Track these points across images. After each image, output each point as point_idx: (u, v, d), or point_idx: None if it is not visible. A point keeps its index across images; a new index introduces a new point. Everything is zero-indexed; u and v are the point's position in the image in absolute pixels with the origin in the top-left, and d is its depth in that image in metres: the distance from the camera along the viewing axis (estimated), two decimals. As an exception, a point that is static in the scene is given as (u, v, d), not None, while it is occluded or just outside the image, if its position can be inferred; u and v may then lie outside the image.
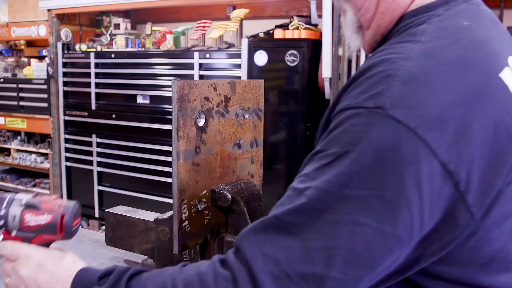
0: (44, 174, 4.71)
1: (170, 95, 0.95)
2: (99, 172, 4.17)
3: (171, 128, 0.96)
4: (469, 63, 0.70)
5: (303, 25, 3.21)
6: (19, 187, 4.82)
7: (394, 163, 0.65)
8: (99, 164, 4.16)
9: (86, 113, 4.16)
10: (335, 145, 0.69)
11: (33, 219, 0.87)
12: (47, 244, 0.90)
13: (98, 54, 4.06)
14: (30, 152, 4.75)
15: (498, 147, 0.68)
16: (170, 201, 3.56)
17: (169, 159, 3.63)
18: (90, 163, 4.20)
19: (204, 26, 3.67)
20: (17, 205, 0.88)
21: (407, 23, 0.78)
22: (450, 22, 0.74)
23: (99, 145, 4.15)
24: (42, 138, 4.66)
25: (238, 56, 3.39)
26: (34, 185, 4.77)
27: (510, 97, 0.72)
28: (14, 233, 0.88)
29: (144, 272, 0.81)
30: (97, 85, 4.08)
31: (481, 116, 0.67)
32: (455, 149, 0.65)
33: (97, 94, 4.09)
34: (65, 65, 4.28)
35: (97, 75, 4.07)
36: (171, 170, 0.98)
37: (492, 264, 0.72)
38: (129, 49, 4.14)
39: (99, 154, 4.16)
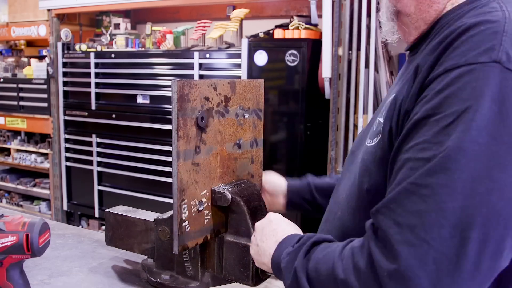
0: (44, 174, 4.71)
1: (170, 95, 0.95)
2: (99, 172, 4.17)
3: (171, 128, 0.96)
4: None
5: (303, 25, 3.21)
6: (19, 187, 4.82)
7: None
8: (99, 164, 4.16)
9: (86, 113, 4.16)
10: (454, 104, 0.67)
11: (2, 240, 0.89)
12: (19, 263, 0.93)
13: (98, 54, 4.06)
14: (30, 152, 4.75)
15: None
16: (170, 201, 3.57)
17: (169, 159, 3.63)
18: (90, 163, 4.20)
19: (204, 26, 3.67)
20: None
21: (469, 8, 0.78)
22: None
23: (99, 145, 4.15)
24: (42, 138, 4.66)
25: (238, 56, 3.39)
26: (34, 185, 4.77)
27: None
28: None
29: (324, 243, 0.83)
30: (97, 85, 4.08)
31: None
32: None
33: (97, 94, 4.09)
34: (65, 65, 4.28)
35: (97, 75, 4.07)
36: (171, 170, 0.97)
37: None
38: (129, 49, 4.14)
39: (99, 154, 4.16)
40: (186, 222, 1.00)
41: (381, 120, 0.85)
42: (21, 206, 4.86)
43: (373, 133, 0.89)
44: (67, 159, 4.38)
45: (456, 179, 0.64)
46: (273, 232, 0.94)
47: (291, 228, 0.95)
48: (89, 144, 4.18)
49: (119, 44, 4.14)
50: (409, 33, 0.89)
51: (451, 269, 0.63)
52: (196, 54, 3.57)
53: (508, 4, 0.75)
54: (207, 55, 3.55)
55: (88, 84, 4.10)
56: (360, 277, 0.69)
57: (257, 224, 0.99)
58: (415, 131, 0.71)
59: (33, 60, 4.79)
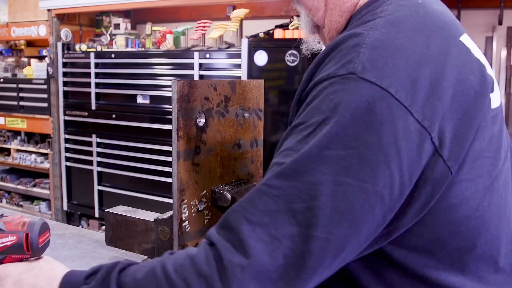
0: (44, 174, 4.71)
1: (170, 95, 0.95)
2: (99, 172, 4.17)
3: (171, 128, 0.96)
4: (430, 28, 0.75)
5: (303, 25, 3.21)
6: (19, 187, 4.82)
7: (370, 122, 0.67)
8: (99, 164, 4.16)
9: (86, 113, 4.16)
10: (315, 115, 0.71)
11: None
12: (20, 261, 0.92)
13: (98, 54, 4.06)
14: (30, 152, 4.75)
15: (466, 103, 0.72)
16: (170, 201, 3.56)
17: (169, 159, 3.63)
18: (90, 163, 4.20)
19: (204, 26, 3.67)
20: None
21: (364, 12, 0.82)
22: (406, 1, 0.79)
23: (99, 145, 4.15)
24: (42, 138, 4.66)
25: (238, 56, 3.39)
26: (34, 185, 4.77)
27: (473, 58, 0.78)
28: None
29: (132, 265, 0.80)
30: (97, 85, 4.08)
31: (448, 74, 0.72)
32: (428, 105, 0.69)
33: (97, 94, 4.09)
34: (65, 65, 4.28)
35: (97, 75, 4.07)
36: (171, 170, 0.97)
37: (466, 223, 0.75)
38: (129, 49, 4.14)
39: (99, 154, 4.16)
40: (186, 222, 1.00)
41: None
42: (21, 206, 4.86)
43: None
44: (67, 159, 4.38)
45: (304, 181, 0.68)
46: (34, 279, 0.85)
47: (51, 271, 0.87)
48: (89, 144, 4.18)
49: (119, 44, 4.14)
50: (325, 41, 0.94)
51: (297, 263, 0.68)
52: (196, 54, 3.57)
53: (389, 8, 0.78)
54: (207, 55, 3.55)
55: (88, 84, 4.10)
56: (201, 264, 0.71)
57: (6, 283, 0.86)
58: (284, 140, 0.76)
59: (33, 60, 4.79)
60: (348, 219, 0.68)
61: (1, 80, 4.77)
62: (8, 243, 0.90)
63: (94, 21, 4.78)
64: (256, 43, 3.32)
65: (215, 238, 0.73)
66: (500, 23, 3.24)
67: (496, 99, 0.81)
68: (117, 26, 4.44)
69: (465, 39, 0.80)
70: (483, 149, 0.75)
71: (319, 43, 1.02)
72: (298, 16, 3.32)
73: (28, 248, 0.90)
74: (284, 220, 0.68)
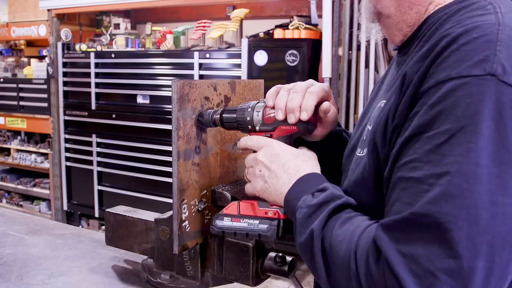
0: (44, 174, 4.71)
1: (170, 95, 0.95)
2: (99, 172, 4.17)
3: (171, 128, 0.96)
4: None
5: (303, 25, 3.21)
6: (19, 187, 4.82)
7: None
8: (99, 164, 4.16)
9: (86, 113, 4.16)
10: (447, 122, 0.63)
11: (271, 112, 0.93)
12: (288, 137, 0.93)
13: (98, 54, 4.06)
14: (30, 152, 4.75)
15: None
16: (170, 201, 3.56)
17: (169, 159, 3.63)
18: (90, 163, 4.20)
19: (204, 26, 3.67)
20: (260, 103, 0.96)
21: (457, 8, 0.75)
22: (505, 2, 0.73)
23: (99, 145, 4.15)
24: (42, 138, 4.66)
25: (238, 56, 3.39)
26: (34, 185, 4.77)
27: None
28: (257, 127, 0.94)
29: (347, 209, 0.77)
30: (97, 85, 4.08)
31: None
32: None
33: (97, 94, 4.09)
34: (65, 65, 4.28)
35: (97, 75, 4.07)
36: (171, 170, 0.97)
37: None
38: (129, 49, 4.14)
39: (99, 154, 4.16)
40: (186, 222, 1.00)
41: (369, 128, 0.84)
42: (21, 206, 4.86)
43: (363, 143, 0.87)
44: (67, 159, 4.38)
45: (459, 205, 0.60)
46: (283, 167, 0.86)
47: (304, 163, 0.87)
48: (89, 144, 4.18)
49: (119, 44, 4.14)
50: (393, 34, 0.86)
51: None
52: (196, 54, 3.57)
53: (502, 3, 0.72)
54: (207, 55, 3.55)
55: (88, 84, 4.10)
56: (370, 284, 0.66)
57: (259, 156, 0.89)
58: (406, 148, 0.68)
59: (33, 60, 4.79)
60: (510, 243, 0.61)
61: (1, 80, 4.77)
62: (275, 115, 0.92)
63: (94, 21, 4.78)
64: (256, 43, 3.32)
65: (377, 265, 0.66)
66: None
67: None
68: (117, 26, 4.44)
69: None
70: None
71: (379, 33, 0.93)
72: (298, 16, 3.33)
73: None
74: (440, 252, 0.60)
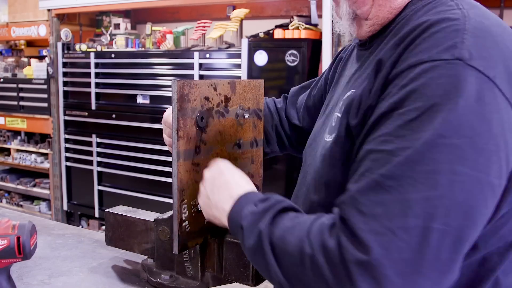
0: (44, 174, 4.71)
1: (170, 95, 0.95)
2: (99, 172, 4.17)
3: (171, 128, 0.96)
4: (507, 28, 0.78)
5: (303, 25, 3.21)
6: (19, 187, 4.82)
7: (481, 112, 0.67)
8: (99, 164, 4.16)
9: (86, 113, 4.16)
10: (417, 100, 0.69)
11: None
12: (7, 268, 0.91)
13: (98, 54, 4.06)
14: (30, 152, 4.75)
15: None
16: (170, 201, 3.56)
17: (169, 159, 3.63)
18: (90, 163, 4.20)
19: (204, 26, 3.67)
20: None
21: (423, 4, 0.82)
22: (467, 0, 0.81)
23: (99, 145, 4.15)
24: (42, 138, 4.66)
25: (238, 56, 3.39)
26: (34, 185, 4.77)
27: None
28: None
29: (290, 212, 0.80)
30: (97, 85, 4.08)
31: None
32: None
33: (97, 94, 4.09)
34: (65, 65, 4.28)
35: (97, 75, 4.07)
36: (171, 170, 0.97)
37: None
38: (129, 49, 4.14)
39: (99, 154, 4.16)
40: (186, 222, 1.00)
41: (339, 115, 0.89)
42: (21, 206, 4.86)
43: (332, 128, 0.91)
44: (67, 159, 4.38)
45: (420, 171, 0.65)
46: (225, 184, 0.91)
47: (245, 182, 0.92)
48: (89, 144, 4.18)
49: (119, 44, 4.14)
50: (363, 30, 0.92)
51: (414, 258, 0.64)
52: (196, 54, 3.57)
53: (463, 2, 0.78)
54: (207, 55, 3.55)
55: (88, 84, 4.10)
56: (329, 258, 0.68)
57: (206, 173, 0.96)
58: (378, 124, 0.73)
59: (33, 60, 4.79)
60: (465, 211, 0.65)
61: (1, 80, 4.77)
62: (0, 248, 0.88)
63: (94, 21, 4.78)
64: (256, 43, 3.32)
65: (339, 229, 0.69)
66: (500, 23, 3.24)
67: None
68: (117, 26, 4.44)
69: None
70: None
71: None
72: (298, 16, 3.33)
73: (20, 251, 0.88)
74: (398, 211, 0.65)
